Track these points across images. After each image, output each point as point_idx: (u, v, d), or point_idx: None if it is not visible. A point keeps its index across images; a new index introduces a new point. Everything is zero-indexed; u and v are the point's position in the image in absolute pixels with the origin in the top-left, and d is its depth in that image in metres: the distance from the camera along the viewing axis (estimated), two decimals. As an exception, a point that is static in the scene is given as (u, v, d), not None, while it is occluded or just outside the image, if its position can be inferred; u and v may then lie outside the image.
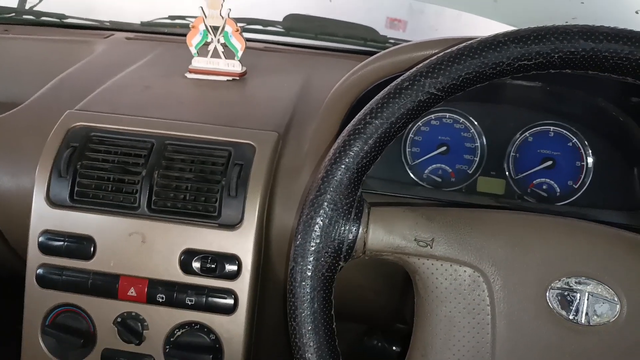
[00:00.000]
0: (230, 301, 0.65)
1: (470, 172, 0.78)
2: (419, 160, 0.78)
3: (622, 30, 0.43)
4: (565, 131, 0.76)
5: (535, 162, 0.76)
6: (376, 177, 0.77)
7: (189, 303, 0.65)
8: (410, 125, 0.78)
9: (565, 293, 0.46)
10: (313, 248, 0.45)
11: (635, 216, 0.73)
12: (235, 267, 0.65)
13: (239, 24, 1.10)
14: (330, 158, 0.45)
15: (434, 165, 0.78)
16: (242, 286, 0.65)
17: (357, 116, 0.46)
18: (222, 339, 0.66)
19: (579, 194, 0.75)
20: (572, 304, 0.46)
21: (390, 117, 0.45)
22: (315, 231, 0.45)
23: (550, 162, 0.76)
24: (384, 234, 0.48)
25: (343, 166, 0.45)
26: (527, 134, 0.76)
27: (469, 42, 0.45)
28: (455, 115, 0.78)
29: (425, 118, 0.78)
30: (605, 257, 0.47)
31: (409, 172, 0.78)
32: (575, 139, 0.75)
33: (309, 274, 0.45)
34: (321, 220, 0.45)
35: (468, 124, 0.78)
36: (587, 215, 0.73)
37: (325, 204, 0.45)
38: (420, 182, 0.78)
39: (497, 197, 0.77)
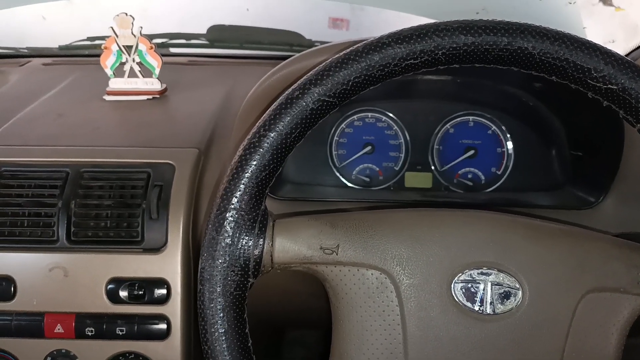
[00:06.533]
0: (163, 326, 0.64)
1: (397, 168, 0.78)
2: (346, 162, 0.78)
3: (499, 22, 0.44)
4: (483, 120, 0.77)
5: (459, 152, 0.77)
6: (305, 183, 0.77)
7: (120, 333, 0.63)
8: (334, 128, 0.78)
9: (469, 285, 0.47)
10: (219, 268, 0.44)
11: (558, 195, 0.75)
12: (164, 291, 0.63)
13: (161, 40, 1.08)
14: (228, 175, 0.45)
15: (361, 166, 0.78)
16: (174, 310, 0.64)
17: (252, 130, 0.45)
18: None
19: (503, 179, 0.77)
20: (477, 295, 0.46)
21: (284, 129, 0.44)
22: (219, 251, 0.44)
23: (472, 152, 0.77)
24: (289, 246, 0.47)
25: (242, 184, 0.44)
26: (447, 125, 0.78)
27: (356, 46, 0.45)
28: (377, 114, 0.78)
29: (347, 120, 0.78)
30: (503, 245, 0.48)
31: (338, 174, 0.78)
32: (494, 127, 0.77)
33: (216, 295, 0.44)
34: (224, 240, 0.44)
35: (390, 121, 0.78)
36: (512, 200, 0.74)
37: (227, 222, 0.44)
38: (349, 184, 0.78)
39: (425, 191, 0.77)
